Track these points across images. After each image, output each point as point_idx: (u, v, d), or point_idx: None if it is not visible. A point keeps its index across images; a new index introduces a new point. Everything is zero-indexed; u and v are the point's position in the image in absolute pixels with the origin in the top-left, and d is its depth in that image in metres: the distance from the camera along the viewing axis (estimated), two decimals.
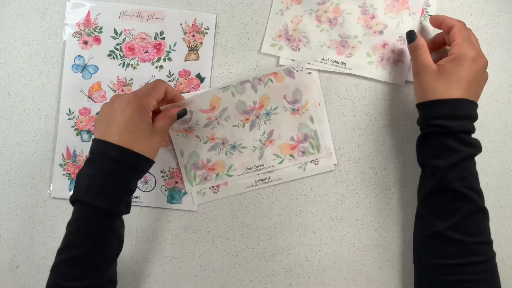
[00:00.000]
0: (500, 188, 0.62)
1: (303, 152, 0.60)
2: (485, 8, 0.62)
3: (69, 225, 0.48)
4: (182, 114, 0.55)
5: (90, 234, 0.47)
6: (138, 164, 0.49)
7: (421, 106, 0.53)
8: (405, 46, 0.61)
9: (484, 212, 0.50)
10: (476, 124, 0.50)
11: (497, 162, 0.62)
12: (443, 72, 0.51)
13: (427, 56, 0.53)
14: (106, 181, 0.47)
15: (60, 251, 0.47)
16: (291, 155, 0.60)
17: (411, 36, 0.56)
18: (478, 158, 0.51)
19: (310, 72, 0.61)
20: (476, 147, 0.50)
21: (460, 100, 0.50)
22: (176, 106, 0.55)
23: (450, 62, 0.51)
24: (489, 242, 0.49)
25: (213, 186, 0.61)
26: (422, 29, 0.61)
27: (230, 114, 0.59)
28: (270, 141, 0.60)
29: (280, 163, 0.60)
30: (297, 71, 0.58)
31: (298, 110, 0.60)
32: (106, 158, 0.47)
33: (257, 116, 0.60)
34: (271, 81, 0.58)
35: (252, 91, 0.58)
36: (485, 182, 0.61)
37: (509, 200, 0.62)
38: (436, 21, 0.56)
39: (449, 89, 0.50)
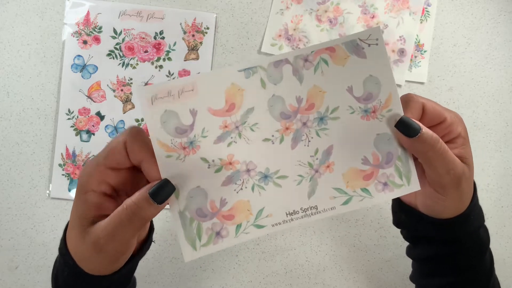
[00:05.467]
0: (501, 188, 0.62)
1: (385, 184, 0.37)
2: (486, 8, 0.62)
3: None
4: (161, 194, 0.32)
5: None
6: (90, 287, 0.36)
7: (457, 220, 0.39)
8: (405, 46, 0.60)
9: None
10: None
11: (498, 162, 0.62)
12: (472, 168, 0.38)
13: (452, 154, 0.36)
14: None
15: None
16: (365, 189, 0.37)
17: (409, 126, 0.35)
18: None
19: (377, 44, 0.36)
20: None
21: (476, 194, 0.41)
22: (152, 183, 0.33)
23: (468, 158, 0.38)
24: None
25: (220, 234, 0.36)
26: (423, 29, 0.61)
27: (258, 119, 0.36)
28: (327, 166, 0.36)
29: (346, 203, 0.37)
30: (369, 44, 0.35)
31: (374, 111, 0.36)
32: (65, 269, 0.36)
33: (304, 123, 0.36)
34: (326, 62, 0.35)
35: (295, 79, 0.36)
36: (485, 182, 0.61)
37: (510, 200, 0.62)
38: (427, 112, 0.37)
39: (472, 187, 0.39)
